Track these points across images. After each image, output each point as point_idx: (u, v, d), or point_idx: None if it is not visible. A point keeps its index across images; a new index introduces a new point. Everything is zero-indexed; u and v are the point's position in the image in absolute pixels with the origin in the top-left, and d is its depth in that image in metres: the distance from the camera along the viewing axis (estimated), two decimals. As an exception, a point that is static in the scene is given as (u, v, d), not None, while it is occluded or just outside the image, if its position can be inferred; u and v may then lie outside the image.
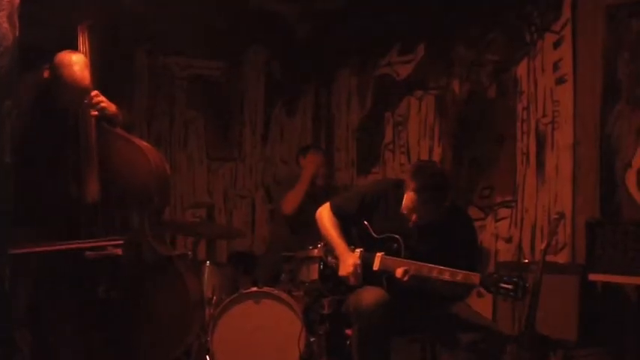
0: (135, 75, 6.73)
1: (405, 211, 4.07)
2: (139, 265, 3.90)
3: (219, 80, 7.09)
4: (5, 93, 2.38)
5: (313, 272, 4.58)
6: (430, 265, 3.92)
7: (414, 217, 4.03)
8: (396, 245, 4.09)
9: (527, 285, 3.80)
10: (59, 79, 3.83)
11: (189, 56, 6.93)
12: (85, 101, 3.90)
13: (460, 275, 3.85)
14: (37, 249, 3.67)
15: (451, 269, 3.88)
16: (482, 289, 4.04)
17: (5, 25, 2.27)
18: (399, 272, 3.95)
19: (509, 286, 3.74)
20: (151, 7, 6.12)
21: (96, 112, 3.93)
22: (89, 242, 3.75)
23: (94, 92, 3.95)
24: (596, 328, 4.84)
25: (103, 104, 3.96)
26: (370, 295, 3.94)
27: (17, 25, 2.32)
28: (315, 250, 4.60)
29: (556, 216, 4.79)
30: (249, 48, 7.20)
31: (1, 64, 2.30)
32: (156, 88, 6.82)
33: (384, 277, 4.05)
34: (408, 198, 4.04)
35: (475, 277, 3.83)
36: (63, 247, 3.73)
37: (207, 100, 7.03)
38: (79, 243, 3.75)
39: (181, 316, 3.93)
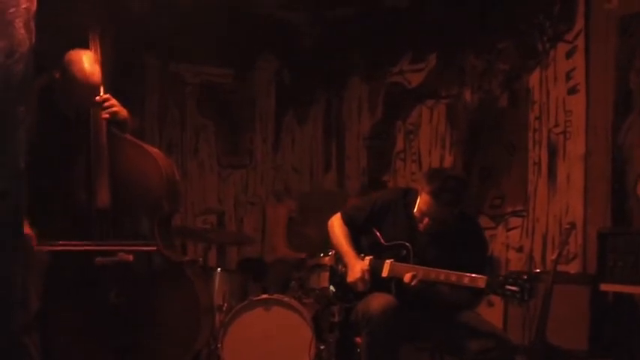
0: (146, 82, 6.76)
1: (417, 215, 4.07)
2: (149, 271, 3.90)
3: (230, 88, 7.11)
4: (20, 99, 2.39)
5: (323, 279, 4.58)
6: (437, 269, 3.93)
7: (426, 220, 4.03)
8: (405, 252, 4.09)
9: (534, 288, 3.78)
10: (69, 76, 3.83)
11: (200, 64, 6.95)
12: (96, 101, 3.90)
13: (467, 278, 3.86)
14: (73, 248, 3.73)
15: (458, 273, 3.88)
16: (490, 294, 4.04)
17: (22, 31, 2.27)
18: (407, 277, 3.95)
19: (515, 289, 3.73)
20: (162, 15, 6.15)
21: (107, 115, 3.93)
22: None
23: (106, 95, 3.95)
24: (607, 338, 4.83)
25: (115, 108, 3.97)
26: (379, 302, 3.94)
27: (33, 31, 2.33)
28: (326, 258, 4.60)
29: (567, 226, 4.78)
30: (260, 56, 7.22)
31: (16, 70, 2.30)
32: (167, 96, 6.85)
33: (393, 284, 4.05)
34: (422, 201, 4.03)
35: (481, 280, 3.83)
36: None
37: (218, 108, 7.05)
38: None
39: (191, 322, 3.94)
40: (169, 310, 3.89)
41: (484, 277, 3.83)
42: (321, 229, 5.76)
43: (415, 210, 4.10)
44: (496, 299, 5.46)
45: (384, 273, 4.07)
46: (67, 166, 3.93)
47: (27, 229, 3.65)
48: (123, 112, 4.03)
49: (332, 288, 4.39)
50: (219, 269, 5.28)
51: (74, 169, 3.93)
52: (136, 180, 3.95)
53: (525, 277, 3.78)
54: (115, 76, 5.74)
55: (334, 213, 5.80)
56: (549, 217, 5.60)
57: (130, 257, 3.78)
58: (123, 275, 3.80)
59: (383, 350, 3.93)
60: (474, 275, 3.85)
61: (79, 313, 3.85)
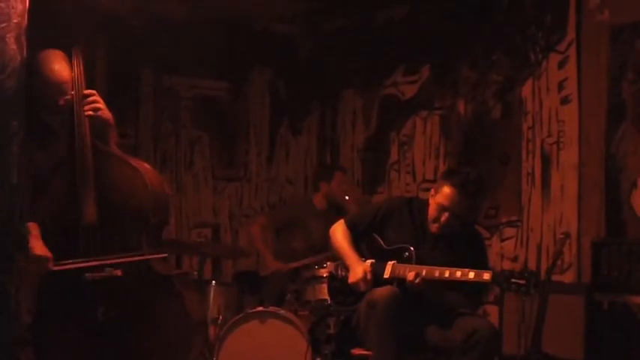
0: (141, 96, 6.77)
1: (434, 214, 4.10)
2: (138, 285, 3.88)
3: (224, 100, 7.12)
4: (12, 113, 2.41)
5: (319, 291, 4.59)
6: (441, 267, 3.94)
7: (445, 216, 4.06)
8: (407, 254, 4.10)
9: (540, 281, 3.80)
10: (40, 76, 3.80)
11: (194, 77, 6.96)
12: (80, 95, 3.86)
13: (472, 274, 3.87)
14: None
15: (462, 269, 3.89)
16: (496, 286, 4.06)
17: (13, 46, 2.30)
18: (410, 275, 3.95)
19: (521, 281, 3.75)
20: (157, 28, 6.16)
21: (91, 112, 3.89)
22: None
23: (91, 91, 3.92)
24: (602, 347, 4.83)
25: (98, 104, 3.92)
26: (382, 289, 3.95)
27: (25, 46, 2.35)
28: (322, 270, 4.61)
29: (561, 236, 4.80)
30: (254, 68, 7.23)
31: (8, 85, 2.32)
32: (161, 109, 6.86)
33: (395, 285, 4.05)
34: (442, 196, 4.05)
35: (487, 274, 3.84)
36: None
37: (213, 121, 7.06)
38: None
39: (182, 336, 3.91)
40: (159, 324, 3.86)
41: (489, 272, 3.86)
42: (305, 237, 5.80)
43: (430, 210, 4.13)
44: (492, 310, 5.47)
45: (386, 274, 4.08)
46: (53, 182, 3.91)
47: (45, 251, 3.67)
48: (107, 112, 3.99)
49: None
50: (214, 282, 5.27)
51: (60, 184, 3.91)
52: (122, 194, 3.90)
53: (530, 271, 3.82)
54: (109, 89, 5.76)
55: (315, 221, 5.84)
56: (543, 227, 5.60)
57: (119, 272, 3.76)
58: (112, 290, 3.78)
59: (380, 327, 3.90)
60: (478, 270, 3.87)
61: (70, 328, 3.83)
